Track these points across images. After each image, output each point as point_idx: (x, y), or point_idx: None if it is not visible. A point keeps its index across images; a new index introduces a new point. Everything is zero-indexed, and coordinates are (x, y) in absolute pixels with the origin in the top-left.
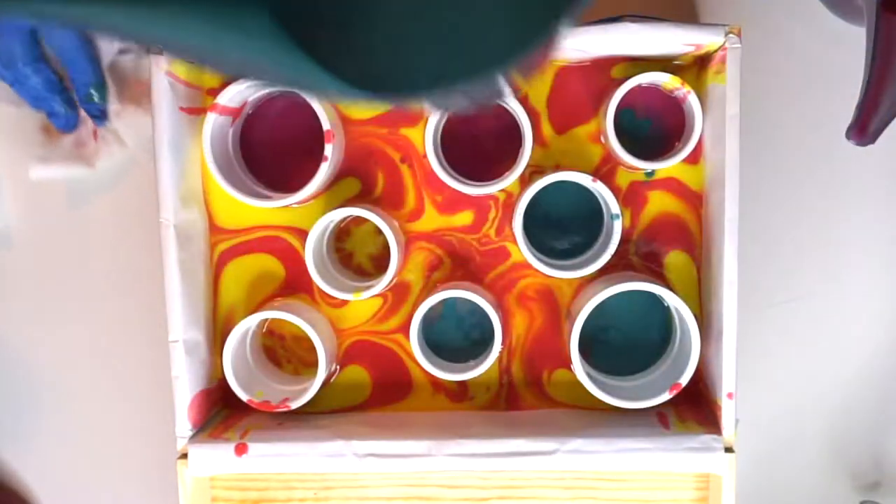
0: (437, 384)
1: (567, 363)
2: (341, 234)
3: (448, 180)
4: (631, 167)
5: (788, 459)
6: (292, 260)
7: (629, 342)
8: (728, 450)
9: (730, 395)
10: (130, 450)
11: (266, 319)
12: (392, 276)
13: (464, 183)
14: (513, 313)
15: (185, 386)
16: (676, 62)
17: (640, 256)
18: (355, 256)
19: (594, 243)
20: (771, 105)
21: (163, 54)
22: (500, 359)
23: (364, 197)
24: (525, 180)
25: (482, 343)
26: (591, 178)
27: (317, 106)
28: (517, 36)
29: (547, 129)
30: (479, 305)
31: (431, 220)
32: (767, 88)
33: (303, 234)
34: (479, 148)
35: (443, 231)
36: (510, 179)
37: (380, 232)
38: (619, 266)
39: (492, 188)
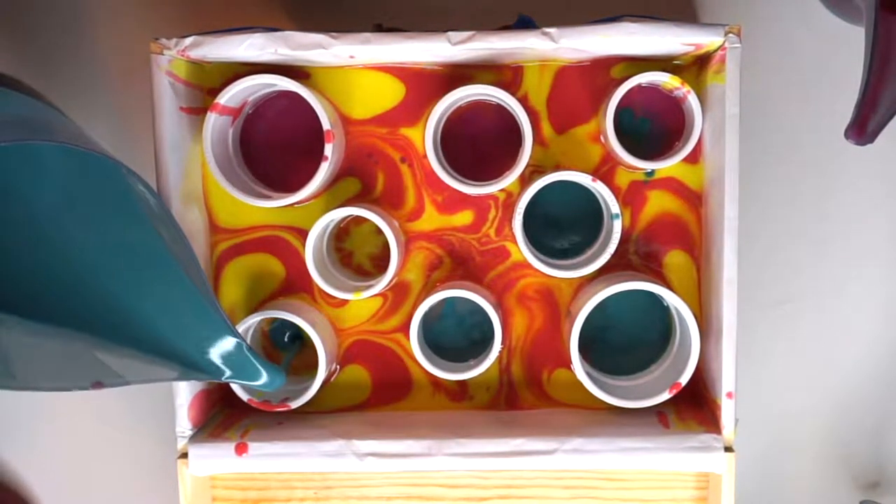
0: (437, 384)
1: (567, 363)
2: (341, 234)
3: (448, 180)
4: (631, 167)
5: (788, 459)
6: (292, 260)
7: (629, 342)
8: (728, 449)
9: (730, 395)
10: (130, 450)
11: (266, 319)
12: (392, 276)
13: (464, 183)
14: (513, 313)
15: (185, 385)
16: (676, 62)
17: (640, 256)
18: (355, 256)
19: (594, 243)
20: (771, 105)
21: None
22: (500, 359)
23: (364, 197)
24: (525, 180)
25: (482, 343)
26: (591, 177)
27: (317, 106)
28: None
29: (547, 128)
30: (479, 305)
31: (431, 219)
32: (767, 88)
33: (303, 233)
34: (479, 148)
35: (443, 231)
36: (510, 179)
37: (380, 232)
38: (618, 266)
39: (492, 188)
